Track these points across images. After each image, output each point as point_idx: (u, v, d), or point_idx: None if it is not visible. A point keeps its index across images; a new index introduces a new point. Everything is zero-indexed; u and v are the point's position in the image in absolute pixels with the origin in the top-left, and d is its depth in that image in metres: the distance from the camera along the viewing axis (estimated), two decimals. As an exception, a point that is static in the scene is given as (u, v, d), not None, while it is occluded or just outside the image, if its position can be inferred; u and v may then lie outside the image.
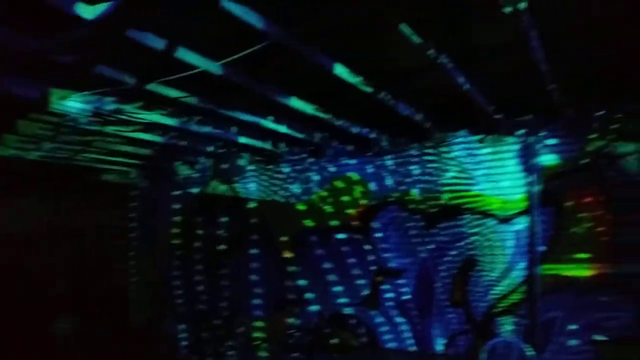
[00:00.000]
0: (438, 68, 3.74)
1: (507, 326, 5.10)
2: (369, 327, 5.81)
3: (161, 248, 7.08)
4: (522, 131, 5.10)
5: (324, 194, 6.17)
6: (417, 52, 3.48)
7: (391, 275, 5.74)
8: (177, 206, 7.10)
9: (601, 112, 4.76)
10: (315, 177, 6.24)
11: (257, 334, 6.43)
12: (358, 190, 5.98)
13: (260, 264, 6.54)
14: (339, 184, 6.10)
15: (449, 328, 5.38)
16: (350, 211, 5.99)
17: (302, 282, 6.24)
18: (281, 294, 6.36)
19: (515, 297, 5.08)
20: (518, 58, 3.66)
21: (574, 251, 4.83)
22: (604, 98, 4.70)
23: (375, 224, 5.87)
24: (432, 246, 5.53)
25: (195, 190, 6.98)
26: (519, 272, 5.08)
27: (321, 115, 4.83)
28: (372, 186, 5.88)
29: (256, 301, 6.49)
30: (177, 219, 7.11)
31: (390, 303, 5.72)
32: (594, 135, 4.79)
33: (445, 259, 5.45)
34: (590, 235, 4.78)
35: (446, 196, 5.47)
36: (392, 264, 5.74)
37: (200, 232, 6.96)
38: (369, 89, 4.16)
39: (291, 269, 6.31)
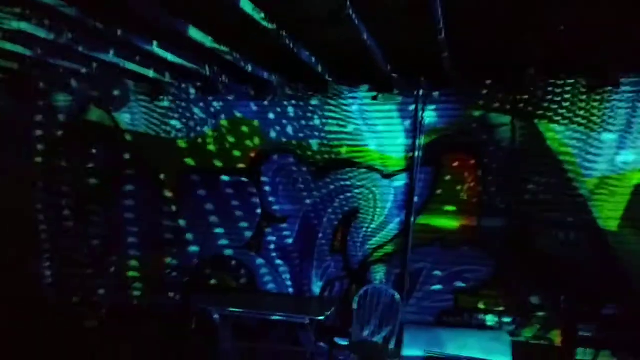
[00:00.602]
0: (345, 21, 3.67)
1: (379, 274, 5.46)
2: (250, 270, 5.85)
3: (24, 178, 6.33)
4: (412, 92, 5.30)
5: (213, 133, 5.91)
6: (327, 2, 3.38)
7: (275, 221, 5.77)
8: (43, 133, 6.33)
9: (485, 85, 5.09)
10: (202, 115, 5.92)
11: (130, 273, 6.15)
12: (249, 133, 5.80)
13: (137, 201, 6.17)
14: (229, 125, 5.87)
15: (327, 274, 5.61)
16: (239, 154, 5.83)
17: (182, 222, 6.03)
18: (159, 234, 6.10)
19: (390, 248, 5.43)
20: (418, 22, 3.75)
21: (446, 206, 5.24)
22: (490, 72, 5.04)
23: (263, 169, 5.79)
24: (318, 196, 5.63)
25: (66, 116, 6.26)
26: (395, 225, 5.41)
27: (218, 48, 4.51)
28: (265, 131, 5.75)
29: (131, 239, 6.17)
30: (41, 147, 6.36)
31: (272, 247, 5.79)
32: (476, 105, 5.13)
33: (330, 209, 5.60)
34: (461, 194, 5.20)
35: (338, 149, 5.54)
36: (278, 210, 5.76)
37: (68, 163, 6.32)
38: (272, 27, 3.95)
39: (171, 208, 6.05)
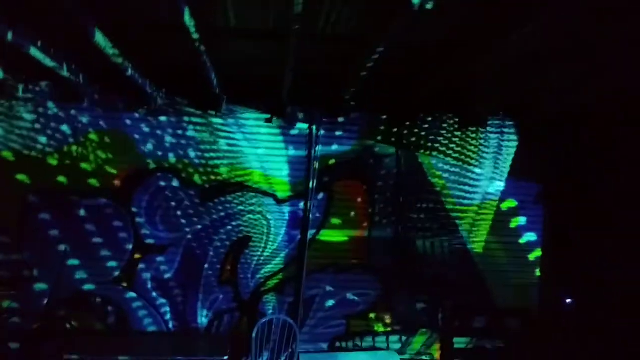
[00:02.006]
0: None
1: (272, 304, 5.25)
2: (119, 308, 5.05)
3: None
4: (308, 119, 5.28)
5: (73, 149, 4.98)
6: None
7: (153, 251, 5.11)
8: None
9: (375, 117, 5.36)
10: (65, 128, 4.97)
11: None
12: (120, 150, 5.05)
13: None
14: (94, 140, 5.02)
15: (215, 307, 5.17)
16: (109, 173, 5.02)
17: (20, 256, 4.91)
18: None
19: (282, 276, 5.27)
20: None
21: (338, 232, 5.33)
22: (380, 106, 5.33)
23: (138, 192, 5.09)
24: (205, 222, 5.17)
25: None
26: (288, 253, 5.28)
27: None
28: (141, 149, 5.07)
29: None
30: None
31: (149, 281, 5.09)
32: (366, 135, 5.36)
33: (218, 236, 5.19)
34: (352, 219, 5.35)
35: (227, 170, 5.19)
36: (155, 239, 5.11)
37: None
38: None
39: (6, 239, 4.89)
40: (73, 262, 4.98)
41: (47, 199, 4.95)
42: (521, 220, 5.50)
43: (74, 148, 4.99)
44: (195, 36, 3.35)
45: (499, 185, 5.46)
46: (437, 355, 5.36)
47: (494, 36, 3.22)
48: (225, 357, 4.43)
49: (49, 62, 3.68)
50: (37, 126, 4.93)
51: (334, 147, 5.33)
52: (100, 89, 4.92)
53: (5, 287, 4.89)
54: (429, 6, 2.62)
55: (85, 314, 5.00)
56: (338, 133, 5.33)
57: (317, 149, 5.26)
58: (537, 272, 5.51)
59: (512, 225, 5.49)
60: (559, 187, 5.39)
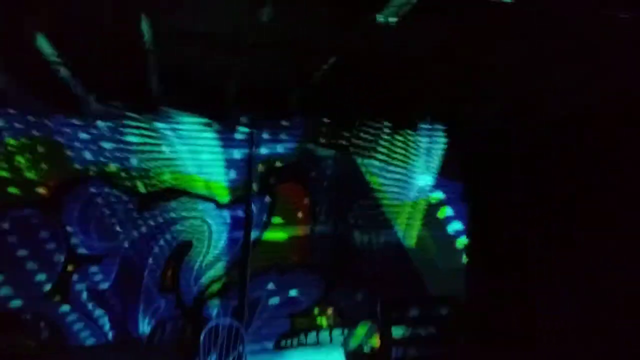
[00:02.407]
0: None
1: (216, 308, 5.22)
2: (53, 323, 4.76)
3: None
4: (247, 123, 5.31)
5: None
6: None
7: (88, 261, 4.87)
8: None
9: (315, 121, 5.51)
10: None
11: None
12: (50, 156, 4.76)
13: None
14: (22, 145, 4.69)
15: (157, 315, 5.04)
16: (37, 182, 4.71)
17: None
18: None
19: (226, 280, 5.26)
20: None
21: (281, 232, 5.43)
22: (322, 111, 5.49)
23: (69, 200, 4.83)
24: (143, 229, 5.03)
25: None
26: (231, 256, 5.29)
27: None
28: (73, 154, 4.81)
29: None
30: None
31: (84, 293, 4.85)
32: (306, 139, 5.50)
33: (157, 243, 5.07)
34: (294, 220, 5.48)
35: (164, 176, 5.08)
36: (90, 249, 4.88)
37: None
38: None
39: None
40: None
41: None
42: (448, 211, 5.96)
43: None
44: (146, 38, 3.28)
45: (428, 183, 5.86)
46: (376, 345, 5.65)
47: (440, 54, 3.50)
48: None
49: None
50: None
51: (275, 150, 5.41)
52: (31, 92, 4.61)
53: None
54: (392, 21, 2.79)
55: (15, 332, 4.66)
56: (279, 136, 5.42)
57: (257, 152, 5.31)
58: (464, 259, 5.99)
59: (440, 216, 5.93)
60: (481, 186, 5.89)
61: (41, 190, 4.74)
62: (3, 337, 4.62)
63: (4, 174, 4.64)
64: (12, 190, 4.67)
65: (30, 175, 4.71)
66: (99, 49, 3.87)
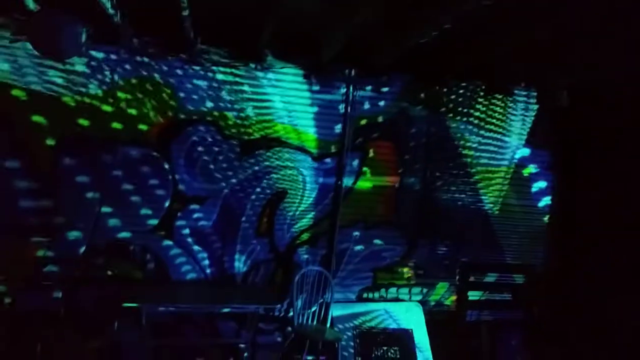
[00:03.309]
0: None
1: (305, 256, 5.46)
2: (158, 257, 5.08)
3: None
4: (343, 78, 5.39)
5: (110, 93, 4.84)
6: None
7: (192, 202, 5.14)
8: None
9: (408, 80, 5.56)
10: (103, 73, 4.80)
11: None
12: (159, 97, 4.96)
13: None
14: (133, 85, 4.90)
15: (252, 257, 5.32)
16: (149, 121, 4.94)
17: (57, 201, 4.80)
18: (21, 217, 4.73)
19: (316, 230, 5.47)
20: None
21: (370, 188, 5.58)
22: (415, 71, 5.52)
23: (178, 143, 5.06)
24: (243, 175, 5.24)
25: None
26: (322, 208, 5.48)
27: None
28: (180, 97, 5.00)
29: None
30: None
31: (187, 231, 5.14)
32: (399, 97, 5.57)
33: (256, 189, 5.29)
34: (383, 178, 5.61)
35: (265, 125, 5.24)
36: (194, 190, 5.14)
37: None
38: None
39: (37, 184, 4.74)
40: (108, 210, 4.94)
41: (80, 146, 4.82)
42: (536, 179, 6.00)
43: (111, 94, 4.86)
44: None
45: (519, 150, 5.88)
46: (453, 305, 5.83)
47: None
48: (279, 305, 4.65)
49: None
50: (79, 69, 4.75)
51: (370, 107, 5.50)
52: (140, 32, 4.78)
53: (39, 235, 4.79)
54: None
55: (123, 262, 5.01)
56: (375, 94, 5.50)
57: (353, 107, 5.41)
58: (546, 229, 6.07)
59: (527, 184, 5.98)
60: (571, 157, 5.87)
61: (152, 131, 4.97)
62: (114, 264, 4.99)
63: (127, 111, 4.88)
64: (125, 129, 4.91)
65: (142, 115, 4.94)
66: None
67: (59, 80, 4.69)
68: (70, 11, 3.66)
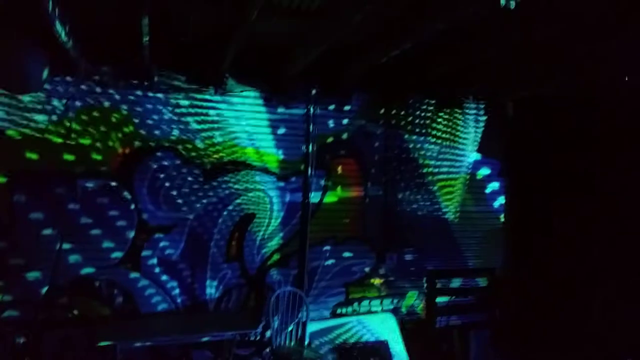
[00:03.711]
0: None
1: (277, 277, 5.44)
2: (127, 292, 4.89)
3: None
4: (305, 98, 5.48)
5: (66, 124, 4.66)
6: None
7: (158, 232, 5.00)
8: None
9: (366, 98, 5.75)
10: (58, 103, 4.61)
11: None
12: (118, 126, 4.83)
13: None
14: (91, 115, 4.75)
15: (224, 283, 5.23)
16: (107, 151, 4.79)
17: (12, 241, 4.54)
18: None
19: (287, 250, 5.48)
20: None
21: (332, 205, 5.67)
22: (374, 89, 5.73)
23: (139, 172, 4.93)
24: (209, 201, 5.18)
25: None
26: (291, 227, 5.50)
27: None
28: (140, 125, 4.89)
29: None
30: None
31: (155, 262, 5.00)
32: (359, 116, 5.75)
33: (222, 214, 5.23)
34: (347, 193, 5.73)
35: (228, 149, 5.22)
36: (159, 220, 5.01)
37: None
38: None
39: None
40: (69, 246, 4.72)
41: (35, 180, 4.59)
42: (489, 186, 6.34)
43: (67, 125, 4.67)
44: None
45: (471, 159, 6.19)
46: (422, 313, 5.99)
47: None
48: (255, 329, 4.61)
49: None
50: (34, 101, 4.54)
51: (331, 126, 5.62)
52: (96, 61, 4.66)
53: (-6, 278, 4.51)
54: (511, 5, 3.02)
55: (89, 300, 4.78)
56: (335, 113, 5.63)
57: (315, 127, 5.50)
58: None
59: (482, 191, 6.30)
60: (520, 163, 6.24)
61: (112, 161, 4.82)
62: (79, 302, 4.76)
63: (82, 142, 4.70)
64: (80, 161, 4.73)
65: (98, 145, 4.78)
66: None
67: (1, 114, 4.46)
68: (29, 42, 3.52)
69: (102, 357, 4.37)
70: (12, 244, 4.53)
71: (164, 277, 5.03)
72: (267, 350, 5.22)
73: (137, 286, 4.93)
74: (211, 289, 5.20)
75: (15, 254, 4.55)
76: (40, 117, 4.57)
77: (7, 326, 4.47)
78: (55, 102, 4.62)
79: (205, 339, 4.70)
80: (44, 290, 4.61)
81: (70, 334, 4.63)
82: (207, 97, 5.10)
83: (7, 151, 4.49)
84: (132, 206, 4.90)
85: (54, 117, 4.63)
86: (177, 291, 5.07)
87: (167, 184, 5.01)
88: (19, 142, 4.51)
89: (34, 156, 4.58)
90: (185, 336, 4.70)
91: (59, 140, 4.65)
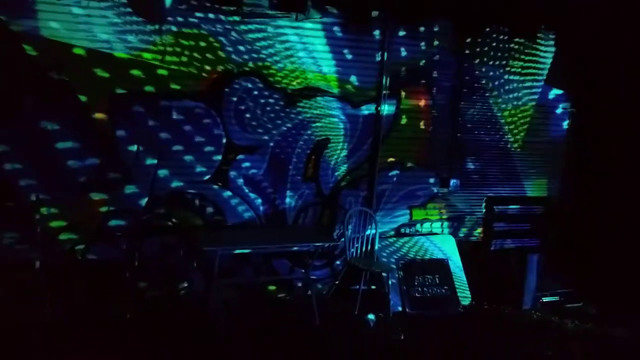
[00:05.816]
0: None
1: (349, 198, 5.88)
2: (216, 204, 5.40)
3: None
4: (380, 25, 5.61)
5: (162, 47, 4.95)
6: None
7: (243, 152, 5.41)
8: None
9: (440, 26, 5.83)
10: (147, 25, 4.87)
11: (55, 223, 4.87)
12: (208, 51, 5.11)
13: (53, 129, 4.75)
14: (182, 39, 5.02)
15: (301, 201, 5.70)
16: (198, 75, 5.10)
17: (115, 157, 5.00)
18: (85, 172, 4.93)
19: (358, 174, 5.86)
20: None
21: (406, 132, 5.96)
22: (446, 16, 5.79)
23: (228, 95, 5.26)
24: (289, 124, 5.52)
25: None
26: (362, 152, 5.84)
27: None
28: (227, 50, 5.16)
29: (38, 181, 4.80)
30: None
31: (241, 179, 5.46)
32: (431, 44, 5.87)
33: (301, 138, 5.59)
34: (417, 123, 6.00)
35: (306, 75, 5.47)
36: (245, 140, 5.40)
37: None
38: None
39: (101, 139, 4.92)
40: (162, 163, 5.18)
41: (134, 101, 4.97)
42: (560, 117, 6.53)
43: (160, 49, 4.97)
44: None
45: (539, 90, 6.31)
46: (480, 236, 6.41)
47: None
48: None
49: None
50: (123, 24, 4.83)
51: (403, 54, 5.77)
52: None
53: (103, 187, 5.01)
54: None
55: (184, 211, 5.31)
56: (406, 40, 5.76)
57: (389, 54, 5.66)
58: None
59: (546, 123, 6.48)
60: (587, 96, 6.32)
61: (204, 84, 5.15)
62: (175, 214, 5.29)
63: (174, 66, 5.02)
64: (179, 83, 5.08)
65: (192, 69, 5.09)
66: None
67: (110, 37, 4.78)
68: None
69: (200, 260, 4.96)
70: (112, 161, 5.02)
71: (249, 192, 5.51)
72: (339, 261, 5.77)
73: (225, 200, 5.44)
74: (290, 205, 5.68)
75: (116, 170, 5.05)
76: (139, 39, 4.88)
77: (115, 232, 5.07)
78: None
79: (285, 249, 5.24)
80: (144, 201, 5.15)
81: (169, 240, 5.22)
82: (289, 23, 5.29)
83: (114, 72, 4.86)
84: (222, 127, 5.29)
85: (153, 40, 4.93)
86: (259, 202, 5.57)
87: (251, 108, 5.36)
88: (123, 63, 4.85)
89: (138, 77, 4.94)
90: (268, 246, 5.22)
91: (157, 63, 4.98)
